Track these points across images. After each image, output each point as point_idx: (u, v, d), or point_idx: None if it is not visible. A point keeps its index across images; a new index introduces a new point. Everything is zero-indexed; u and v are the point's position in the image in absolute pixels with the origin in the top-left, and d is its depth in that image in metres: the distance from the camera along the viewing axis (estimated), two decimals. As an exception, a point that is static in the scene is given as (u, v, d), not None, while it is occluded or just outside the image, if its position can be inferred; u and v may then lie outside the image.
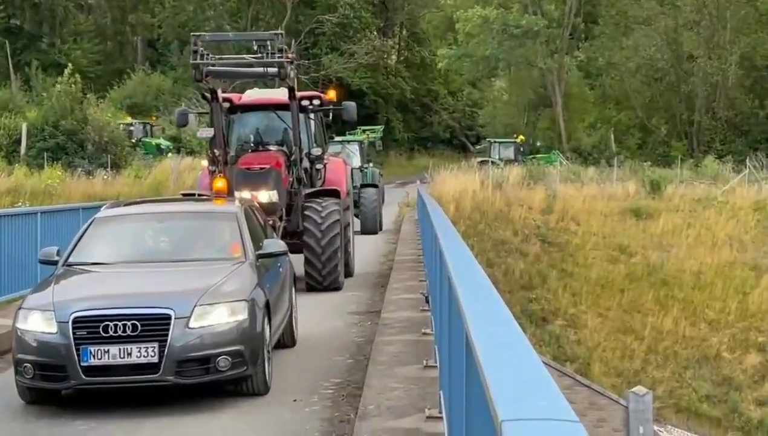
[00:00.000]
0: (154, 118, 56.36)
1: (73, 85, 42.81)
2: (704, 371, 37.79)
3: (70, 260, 9.72)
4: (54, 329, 8.32)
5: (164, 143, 50.42)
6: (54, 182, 36.10)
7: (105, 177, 38.70)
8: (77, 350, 8.18)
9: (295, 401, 9.14)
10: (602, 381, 37.02)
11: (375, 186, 30.33)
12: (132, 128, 51.52)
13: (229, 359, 8.48)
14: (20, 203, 29.09)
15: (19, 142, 43.15)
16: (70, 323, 8.26)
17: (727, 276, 40.48)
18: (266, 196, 15.24)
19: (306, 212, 15.99)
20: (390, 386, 8.60)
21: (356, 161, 29.84)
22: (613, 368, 37.80)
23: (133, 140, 50.06)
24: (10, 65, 64.51)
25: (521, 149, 57.19)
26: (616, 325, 39.13)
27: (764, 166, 51.04)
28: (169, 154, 46.30)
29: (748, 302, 39.50)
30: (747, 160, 51.80)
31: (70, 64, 48.83)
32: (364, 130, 40.60)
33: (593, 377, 37.07)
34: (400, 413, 7.66)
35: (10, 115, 46.74)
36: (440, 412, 7.00)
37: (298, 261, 14.55)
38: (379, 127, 49.93)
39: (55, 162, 39.27)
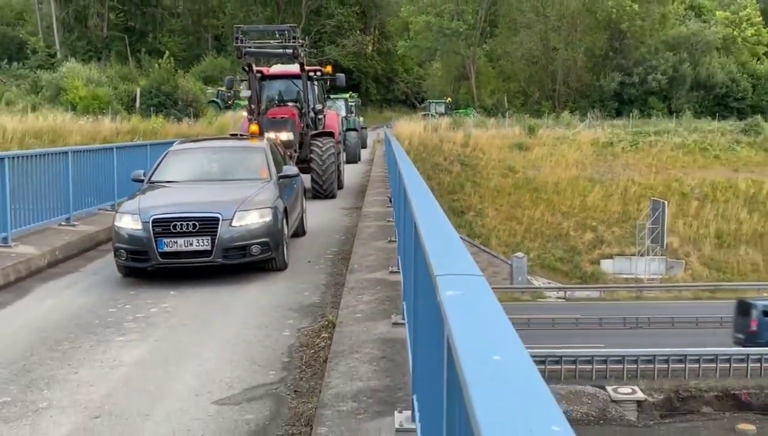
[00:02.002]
0: (240, 88, 54.37)
1: (168, 64, 42.08)
2: (559, 243, 38.35)
3: (152, 179, 9.19)
4: (139, 226, 7.88)
5: None
6: (157, 126, 35.68)
7: (189, 123, 38.21)
8: (155, 241, 7.78)
9: (309, 262, 9.14)
10: (497, 249, 37.52)
11: (356, 130, 28.67)
12: (229, 94, 49.94)
13: (259, 247, 8.07)
14: (137, 139, 28.75)
15: (134, 100, 42.56)
16: (150, 222, 7.82)
17: (574, 185, 40.80)
18: (285, 136, 14.73)
19: (312, 147, 15.55)
20: (368, 253, 8.61)
21: (342, 112, 27.66)
22: (504, 242, 38.29)
23: (228, 102, 48.61)
24: (129, 51, 63.47)
25: (449, 107, 56.83)
26: (505, 215, 39.48)
27: (598, 118, 51.22)
28: None
29: (587, 201, 39.91)
30: (588, 113, 51.97)
31: (166, 51, 47.93)
32: (351, 94, 39.63)
33: (491, 247, 37.53)
34: (373, 269, 7.67)
35: (128, 83, 46.06)
36: (398, 268, 7.03)
37: (307, 179, 14.42)
38: (355, 94, 48.62)
39: (157, 113, 38.75)
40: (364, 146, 32.65)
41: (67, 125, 35.11)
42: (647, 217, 36.55)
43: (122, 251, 8.01)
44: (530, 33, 62.43)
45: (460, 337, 1.34)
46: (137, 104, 42.00)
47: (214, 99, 46.93)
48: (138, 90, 42.83)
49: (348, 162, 24.50)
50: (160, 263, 7.88)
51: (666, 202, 36.23)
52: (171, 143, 11.03)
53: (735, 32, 64.78)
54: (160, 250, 7.80)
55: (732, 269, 36.80)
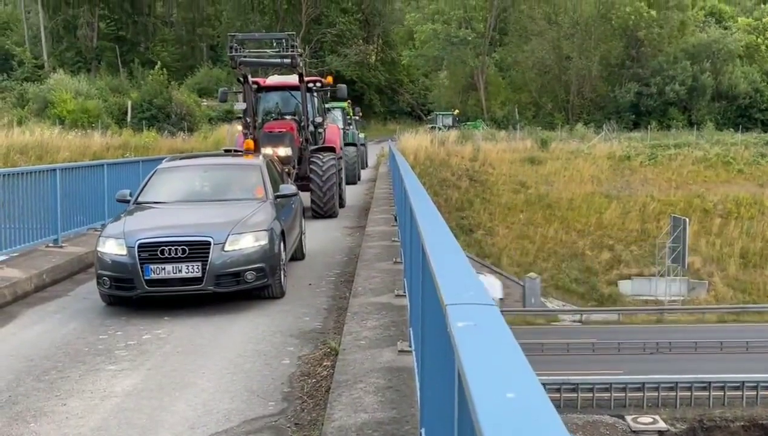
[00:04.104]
0: (235, 101, 54.27)
1: (161, 76, 42.36)
2: (574, 263, 38.27)
3: (139, 199, 8.95)
4: (124, 251, 7.64)
5: None
6: (150, 140, 35.90)
7: (183, 137, 38.43)
8: (141, 267, 7.56)
9: (310, 284, 9.12)
10: (508, 269, 37.45)
11: (354, 145, 26.73)
12: (237, 107, 49.33)
13: (254, 273, 7.85)
14: (128, 155, 28.93)
15: (126, 113, 42.89)
16: (136, 247, 7.59)
17: (590, 201, 40.81)
18: (283, 151, 14.55)
19: (311, 163, 15.38)
20: (372, 275, 8.60)
21: (339, 124, 24.39)
22: (515, 261, 38.23)
23: (237, 116, 48.08)
24: (119, 62, 63.88)
25: (457, 119, 57.08)
26: (517, 233, 39.46)
27: (614, 130, 51.35)
28: None
29: (603, 219, 39.89)
30: (603, 126, 52.08)
31: (159, 62, 48.28)
32: (349, 103, 38.64)
33: (502, 267, 37.48)
34: (378, 292, 7.67)
35: (119, 95, 46.40)
36: (404, 292, 7.01)
37: (306, 197, 14.36)
38: (348, 103, 47.32)
39: (150, 127, 38.98)
40: (363, 166, 30.43)
41: (55, 140, 35.34)
42: (667, 235, 36.47)
43: (105, 278, 7.79)
44: (542, 41, 62.76)
45: (472, 373, 1.35)
46: (128, 118, 42.29)
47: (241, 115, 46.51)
48: (129, 103, 43.15)
49: (346, 183, 21.88)
50: (146, 291, 7.68)
51: (687, 219, 36.17)
52: (164, 159, 11.02)
53: (758, 39, 64.99)
54: (146, 277, 7.60)
55: (758, 291, 36.63)
